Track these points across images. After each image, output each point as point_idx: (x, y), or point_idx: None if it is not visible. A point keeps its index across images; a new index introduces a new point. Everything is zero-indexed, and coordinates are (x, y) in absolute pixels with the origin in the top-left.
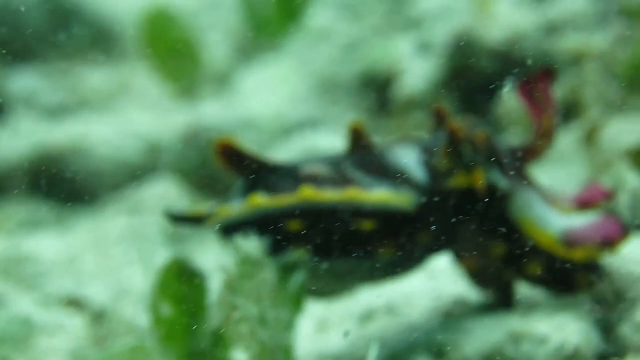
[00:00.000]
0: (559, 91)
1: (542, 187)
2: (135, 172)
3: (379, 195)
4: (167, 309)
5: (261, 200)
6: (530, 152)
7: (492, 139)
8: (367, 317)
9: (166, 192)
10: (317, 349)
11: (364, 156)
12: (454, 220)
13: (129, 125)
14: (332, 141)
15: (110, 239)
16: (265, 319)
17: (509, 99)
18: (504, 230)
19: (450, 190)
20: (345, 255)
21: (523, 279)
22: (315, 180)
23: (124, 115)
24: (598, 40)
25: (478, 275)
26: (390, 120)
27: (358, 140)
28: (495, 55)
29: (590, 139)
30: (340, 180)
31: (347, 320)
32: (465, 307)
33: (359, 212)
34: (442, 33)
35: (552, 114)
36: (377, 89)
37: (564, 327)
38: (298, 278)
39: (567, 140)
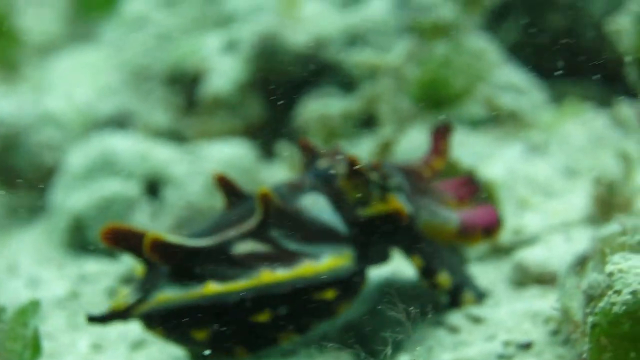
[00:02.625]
0: (355, 103)
1: (433, 188)
2: None
3: (328, 263)
4: None
5: (217, 287)
6: (420, 177)
7: (385, 164)
8: (139, 343)
9: None
10: None
11: (281, 220)
12: (379, 245)
13: None
14: (131, 145)
15: None
16: None
17: (309, 108)
18: (417, 244)
19: (368, 219)
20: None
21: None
22: (257, 259)
23: None
24: (393, 56)
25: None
26: (197, 119)
27: (268, 208)
28: (300, 59)
29: (384, 152)
30: (281, 254)
31: (120, 343)
32: None
33: (318, 284)
34: (249, 32)
35: (443, 160)
36: (186, 86)
37: None
38: (33, 324)
39: (364, 149)
